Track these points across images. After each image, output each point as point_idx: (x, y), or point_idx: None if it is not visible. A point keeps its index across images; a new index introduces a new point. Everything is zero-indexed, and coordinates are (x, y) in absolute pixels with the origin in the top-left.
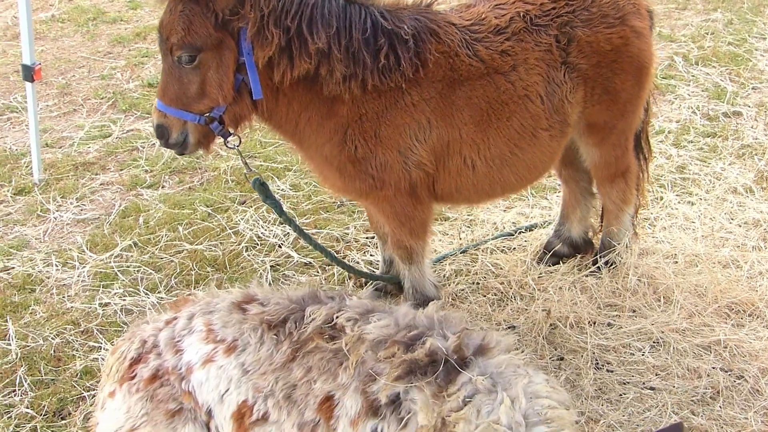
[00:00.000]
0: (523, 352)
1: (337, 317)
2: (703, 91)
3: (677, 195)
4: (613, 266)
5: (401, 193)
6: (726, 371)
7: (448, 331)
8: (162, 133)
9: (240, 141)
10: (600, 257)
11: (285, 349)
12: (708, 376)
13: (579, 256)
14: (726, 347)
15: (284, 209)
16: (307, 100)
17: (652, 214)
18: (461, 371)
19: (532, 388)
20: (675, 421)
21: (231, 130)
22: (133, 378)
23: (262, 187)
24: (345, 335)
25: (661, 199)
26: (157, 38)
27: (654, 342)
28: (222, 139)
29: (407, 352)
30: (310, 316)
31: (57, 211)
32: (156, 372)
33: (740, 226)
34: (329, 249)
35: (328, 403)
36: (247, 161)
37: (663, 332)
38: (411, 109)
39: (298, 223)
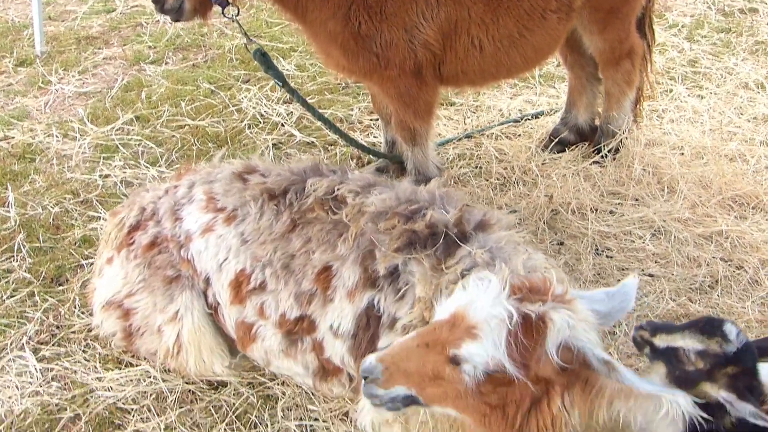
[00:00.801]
0: (523, 232)
1: (338, 189)
2: None
3: (687, 88)
4: (616, 153)
5: (406, 73)
6: (726, 261)
7: (449, 206)
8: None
9: (238, 11)
10: (603, 145)
11: (285, 220)
12: (707, 265)
13: (585, 143)
14: (727, 238)
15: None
16: None
17: (660, 106)
18: (461, 245)
19: (531, 263)
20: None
21: (229, 0)
22: (131, 245)
23: (263, 57)
24: (346, 207)
25: (671, 91)
26: None
27: (655, 230)
28: (219, 9)
29: (407, 223)
30: (311, 187)
31: (59, 83)
32: (154, 239)
33: (749, 121)
34: (332, 121)
35: (325, 274)
36: (253, 39)
37: (665, 221)
38: None
39: (300, 94)
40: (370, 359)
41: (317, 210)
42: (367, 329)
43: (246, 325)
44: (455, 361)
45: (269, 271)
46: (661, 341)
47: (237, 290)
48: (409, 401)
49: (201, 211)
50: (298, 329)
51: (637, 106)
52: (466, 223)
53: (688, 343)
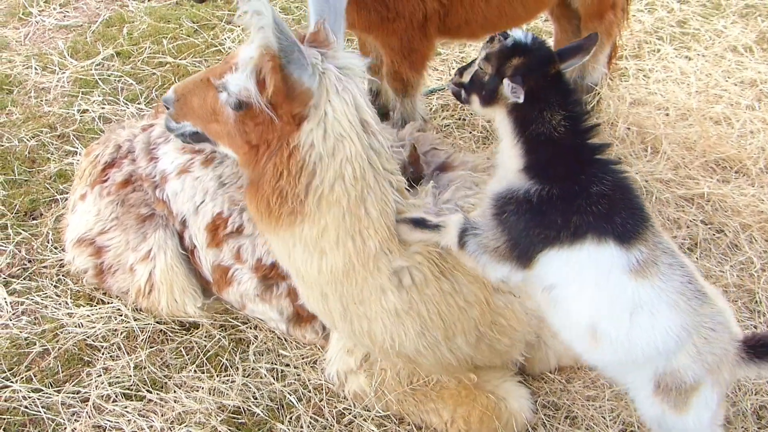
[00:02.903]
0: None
1: None
2: None
3: (675, 49)
4: (588, 108)
5: (413, 26)
6: (707, 224)
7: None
8: None
9: None
10: (585, 102)
11: None
12: (688, 227)
13: None
14: (709, 201)
15: None
16: None
17: (647, 65)
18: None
19: (467, 200)
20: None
21: None
22: (105, 181)
23: None
24: None
25: (658, 51)
26: None
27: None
28: None
29: None
30: None
31: (39, 15)
32: (129, 177)
33: (736, 84)
34: None
35: None
36: None
37: (647, 181)
38: None
39: None
40: (171, 89)
41: None
42: None
43: (222, 269)
44: (219, 91)
45: (246, 216)
46: (467, 75)
47: (214, 233)
48: (198, 137)
49: (178, 152)
50: (274, 274)
51: (611, 62)
52: (426, 164)
53: (480, 57)
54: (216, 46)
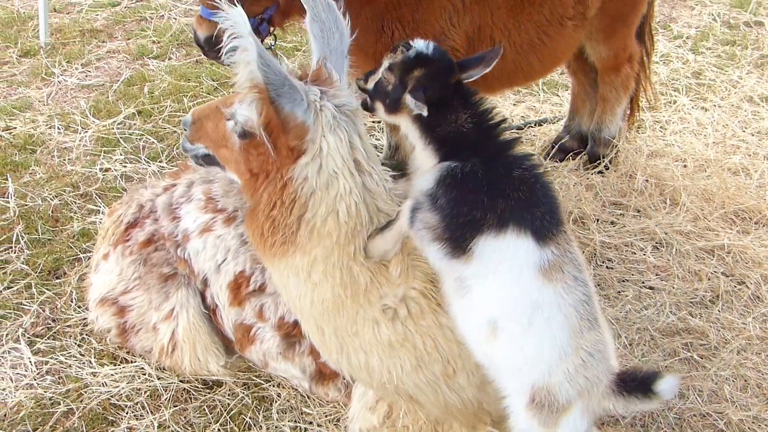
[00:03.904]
0: None
1: None
2: None
3: (691, 100)
4: (606, 160)
5: None
6: (727, 276)
7: None
8: (213, 45)
9: (275, 39)
10: (603, 155)
11: None
12: (709, 279)
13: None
14: (729, 252)
15: None
16: None
17: (664, 117)
18: None
19: None
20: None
21: (271, 29)
22: (127, 241)
23: None
24: None
25: (675, 102)
26: None
27: (657, 242)
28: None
29: None
30: None
31: (62, 75)
32: (151, 237)
33: (753, 135)
34: None
35: None
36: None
37: (667, 233)
38: None
39: None
40: (190, 112)
41: None
42: None
43: (245, 327)
44: (227, 118)
45: (269, 274)
46: (371, 82)
47: (236, 292)
48: (209, 160)
49: (199, 211)
50: (296, 332)
51: (633, 115)
52: None
53: (383, 66)
54: None
